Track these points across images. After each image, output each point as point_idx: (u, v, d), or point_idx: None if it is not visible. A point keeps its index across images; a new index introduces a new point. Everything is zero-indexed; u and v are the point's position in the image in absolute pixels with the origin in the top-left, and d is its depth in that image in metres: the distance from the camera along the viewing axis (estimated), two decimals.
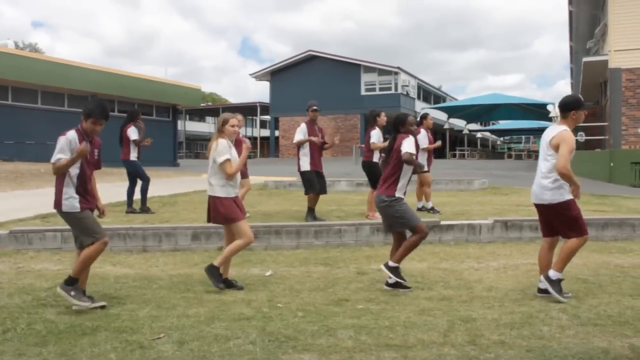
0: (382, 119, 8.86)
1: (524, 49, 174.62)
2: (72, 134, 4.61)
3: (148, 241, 7.22)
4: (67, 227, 4.87)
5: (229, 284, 5.30)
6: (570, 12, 24.01)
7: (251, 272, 5.97)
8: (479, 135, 56.69)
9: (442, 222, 7.79)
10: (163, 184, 15.34)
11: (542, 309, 4.56)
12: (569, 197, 4.87)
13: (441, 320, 4.25)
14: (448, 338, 3.87)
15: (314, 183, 8.63)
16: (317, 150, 8.71)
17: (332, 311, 4.55)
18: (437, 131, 43.77)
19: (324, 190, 8.86)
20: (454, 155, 41.15)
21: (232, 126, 5.31)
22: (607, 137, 18.59)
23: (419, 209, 9.62)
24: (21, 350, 3.65)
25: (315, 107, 8.78)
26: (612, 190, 13.47)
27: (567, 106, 4.88)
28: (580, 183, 4.82)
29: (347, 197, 12.28)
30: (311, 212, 8.69)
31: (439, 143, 9.94)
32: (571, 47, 29.35)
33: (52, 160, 4.54)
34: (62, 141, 4.56)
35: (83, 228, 4.67)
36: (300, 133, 8.66)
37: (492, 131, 61.08)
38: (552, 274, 4.83)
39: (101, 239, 4.67)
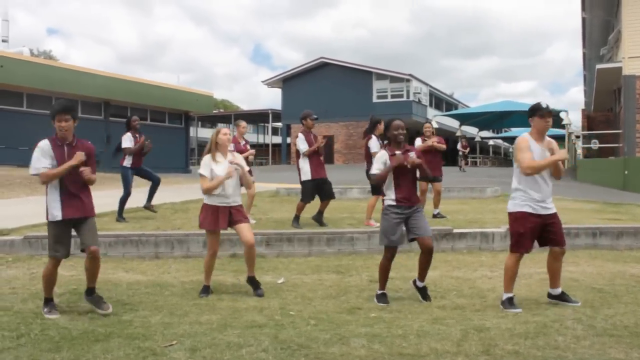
0: (381, 127, 8.80)
1: (536, 56, 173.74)
2: (43, 142, 4.64)
3: (160, 248, 7.25)
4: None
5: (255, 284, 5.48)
6: (583, 19, 23.89)
7: (263, 280, 5.95)
8: (491, 142, 56.46)
9: (455, 230, 7.75)
10: (175, 190, 15.39)
11: (557, 318, 4.51)
12: (514, 210, 4.89)
13: (454, 330, 4.21)
14: (462, 347, 3.83)
15: (309, 194, 8.71)
16: (317, 158, 8.75)
17: (344, 319, 4.54)
18: (448, 138, 43.69)
19: (331, 195, 8.88)
20: (466, 163, 40.98)
21: (224, 135, 5.46)
22: (621, 144, 18.42)
23: (434, 216, 9.58)
24: (35, 356, 3.66)
25: (315, 117, 8.86)
26: (626, 198, 13.33)
27: (528, 113, 4.99)
28: (554, 158, 4.77)
29: (359, 204, 12.22)
30: (297, 219, 8.77)
31: (429, 143, 9.48)
32: (584, 54, 29.19)
33: (31, 172, 4.56)
34: (35, 152, 4.60)
35: (50, 238, 4.67)
36: (303, 142, 8.67)
37: (504, 138, 60.77)
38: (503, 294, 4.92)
39: (55, 257, 4.65)
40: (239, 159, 5.57)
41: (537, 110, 4.88)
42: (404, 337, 4.05)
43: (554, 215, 4.89)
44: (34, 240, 7.19)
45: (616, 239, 7.78)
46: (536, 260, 6.91)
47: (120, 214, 9.35)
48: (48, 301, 4.72)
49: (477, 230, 7.86)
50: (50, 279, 4.72)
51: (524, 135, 4.93)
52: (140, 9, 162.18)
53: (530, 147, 4.81)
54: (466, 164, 28.55)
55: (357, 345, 3.86)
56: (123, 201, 9.42)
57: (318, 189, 8.74)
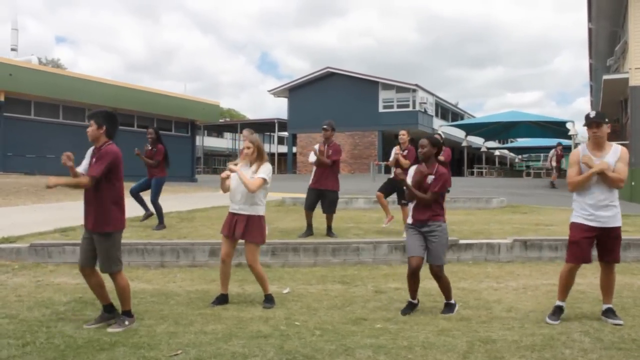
0: (400, 138, 8.93)
1: (543, 66, 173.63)
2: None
3: (166, 257, 7.25)
4: None
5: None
6: (590, 30, 23.87)
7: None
8: (497, 153, 56.30)
9: (461, 241, 7.72)
10: (181, 199, 15.42)
11: (564, 331, 4.48)
12: (571, 220, 4.91)
13: (460, 341, 4.19)
14: None
15: (307, 201, 9.00)
16: (321, 168, 8.94)
17: (349, 330, 4.52)
18: (455, 148, 43.59)
19: (326, 210, 8.95)
20: (472, 173, 40.89)
21: (247, 148, 5.51)
22: None
23: None
24: None
25: (323, 126, 9.04)
26: (633, 210, 13.24)
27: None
28: (588, 173, 4.65)
29: (365, 214, 12.23)
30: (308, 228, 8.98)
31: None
32: (591, 65, 29.15)
33: None
34: None
35: None
36: (312, 156, 8.97)
37: (510, 149, 60.62)
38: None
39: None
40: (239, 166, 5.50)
41: (585, 121, 4.81)
42: (409, 348, 4.03)
43: None
44: (40, 248, 7.21)
45: (623, 251, 7.63)
46: (543, 272, 6.91)
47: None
48: None
49: (483, 241, 7.84)
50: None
51: (576, 148, 4.93)
52: (148, 18, 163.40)
53: (579, 160, 4.74)
54: (557, 176, 21.34)
55: (363, 357, 3.85)
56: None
57: (320, 200, 8.93)
